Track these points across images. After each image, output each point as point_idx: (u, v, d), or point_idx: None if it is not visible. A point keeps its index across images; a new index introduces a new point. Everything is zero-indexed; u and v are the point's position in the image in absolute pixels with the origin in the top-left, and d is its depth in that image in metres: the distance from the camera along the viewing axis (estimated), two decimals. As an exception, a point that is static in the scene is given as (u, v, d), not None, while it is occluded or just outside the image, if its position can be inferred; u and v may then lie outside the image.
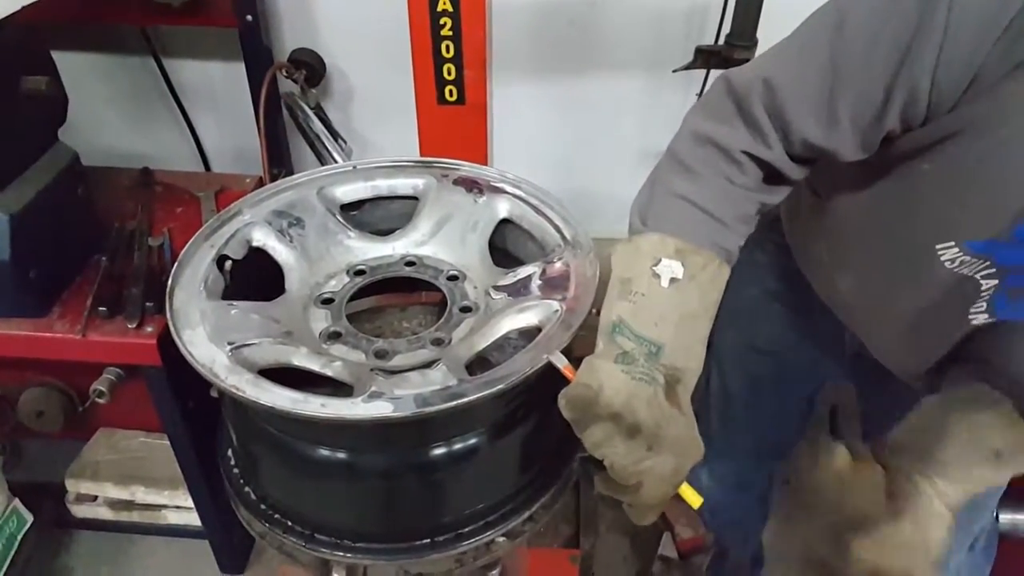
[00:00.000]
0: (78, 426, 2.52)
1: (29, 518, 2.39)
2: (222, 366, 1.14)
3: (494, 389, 1.09)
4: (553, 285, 1.33)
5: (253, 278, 1.40)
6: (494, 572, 1.45)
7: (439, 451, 1.21)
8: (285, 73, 2.46)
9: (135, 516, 2.56)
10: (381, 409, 1.08)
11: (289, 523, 1.29)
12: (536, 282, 1.36)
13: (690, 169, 1.17)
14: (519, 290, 1.37)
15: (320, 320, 1.35)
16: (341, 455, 1.20)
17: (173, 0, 2.29)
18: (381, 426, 1.13)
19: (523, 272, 1.39)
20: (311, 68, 2.55)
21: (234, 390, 1.09)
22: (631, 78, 2.68)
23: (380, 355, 1.27)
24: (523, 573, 1.64)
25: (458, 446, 1.21)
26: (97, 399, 2.10)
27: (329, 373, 1.20)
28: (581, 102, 2.75)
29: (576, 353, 1.18)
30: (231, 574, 2.58)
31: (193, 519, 2.49)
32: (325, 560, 1.30)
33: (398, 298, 1.52)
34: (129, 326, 1.84)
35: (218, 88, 2.75)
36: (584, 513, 1.79)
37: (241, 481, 1.37)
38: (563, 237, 1.42)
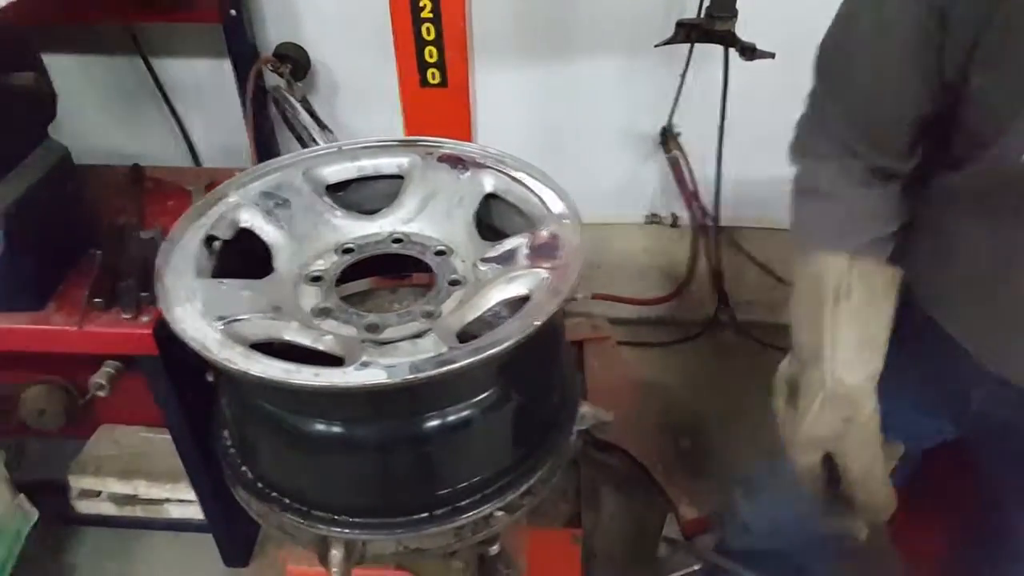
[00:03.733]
0: (79, 424, 2.54)
1: (35, 514, 2.40)
2: (214, 341, 1.14)
3: (485, 354, 1.10)
4: (541, 254, 1.33)
5: (241, 258, 1.40)
6: (494, 548, 1.45)
7: (433, 422, 1.21)
8: (271, 67, 2.48)
9: (138, 511, 2.58)
10: (373, 376, 1.09)
11: (287, 501, 1.30)
12: (524, 252, 1.37)
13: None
14: (507, 261, 1.37)
15: (310, 297, 1.36)
16: (335, 428, 1.21)
17: (156, -4, 2.30)
18: (374, 395, 1.15)
19: (510, 243, 1.40)
20: (296, 62, 2.58)
21: (226, 363, 1.09)
22: (612, 57, 2.70)
23: (371, 329, 1.28)
24: (524, 552, 1.65)
25: (452, 417, 1.22)
26: (97, 392, 2.11)
27: (320, 347, 1.21)
28: (563, 84, 2.78)
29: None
30: (235, 567, 2.59)
31: (196, 513, 2.51)
32: (323, 537, 1.30)
33: (388, 280, 1.54)
34: (125, 316, 1.86)
35: (204, 85, 2.78)
36: (585, 492, 1.80)
37: (238, 461, 1.38)
38: (547, 208, 1.43)
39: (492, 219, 1.54)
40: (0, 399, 2.49)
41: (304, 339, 1.22)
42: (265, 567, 2.59)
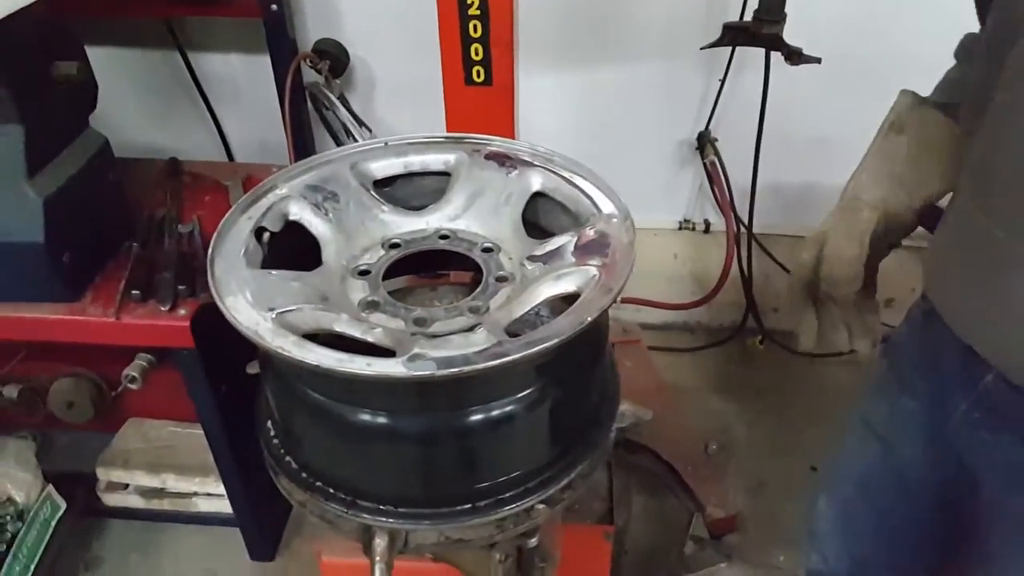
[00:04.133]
0: (107, 417, 2.55)
1: (62, 505, 2.41)
2: (266, 330, 1.14)
3: (538, 348, 1.10)
4: (589, 252, 1.33)
5: (290, 251, 1.40)
6: (533, 540, 1.44)
7: (480, 415, 1.21)
8: (309, 63, 2.48)
9: (165, 504, 2.58)
10: (426, 367, 1.09)
11: (331, 490, 1.30)
12: (570, 250, 1.37)
13: None
14: (554, 259, 1.37)
15: (358, 291, 1.35)
16: (384, 419, 1.20)
17: (199, -10, 2.30)
18: (425, 387, 1.15)
19: (558, 242, 1.40)
20: (335, 58, 2.57)
21: (280, 351, 1.09)
22: (651, 61, 2.70)
23: (418, 323, 1.27)
24: (558, 548, 1.65)
25: (499, 410, 1.22)
26: (129, 384, 2.12)
27: (370, 339, 1.20)
28: (601, 87, 2.78)
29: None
30: (261, 561, 2.59)
31: (223, 506, 2.51)
32: (367, 527, 1.30)
33: (428, 278, 1.53)
34: (162, 309, 1.86)
35: (241, 80, 2.78)
36: (617, 490, 1.79)
37: (281, 451, 1.38)
38: (596, 207, 1.43)
39: (538, 217, 1.53)
40: (29, 391, 2.50)
41: (354, 331, 1.22)
42: (291, 561, 2.60)
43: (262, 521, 2.52)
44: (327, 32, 2.62)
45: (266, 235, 1.38)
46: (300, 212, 1.44)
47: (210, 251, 1.29)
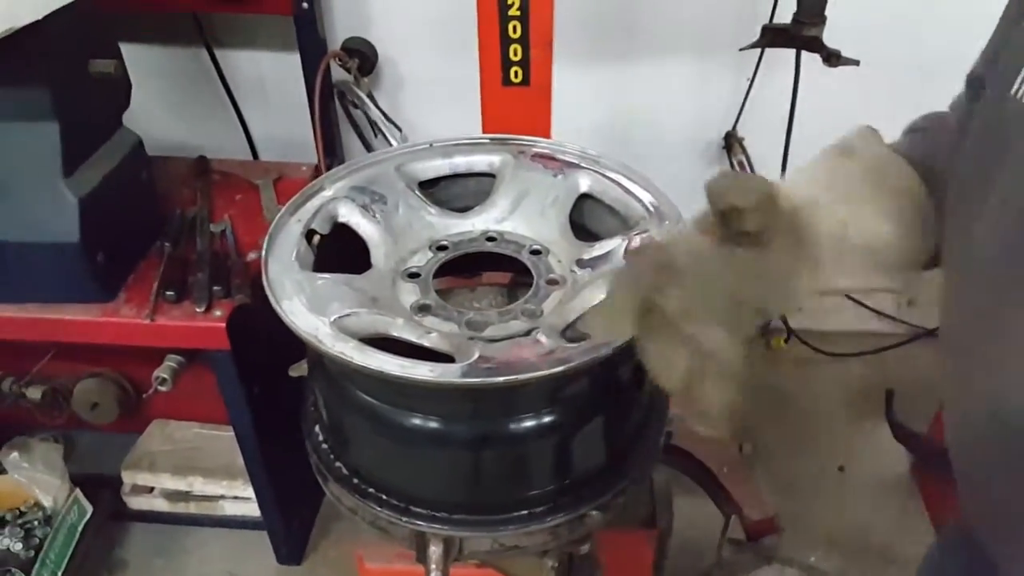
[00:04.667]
0: (130, 419, 2.53)
1: (89, 509, 2.40)
2: (325, 335, 1.13)
3: (602, 353, 1.08)
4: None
5: (338, 253, 1.39)
6: (585, 547, 1.43)
7: (539, 420, 1.20)
8: (339, 62, 2.47)
9: (191, 507, 2.57)
10: (491, 374, 1.07)
11: (383, 496, 1.28)
12: (620, 254, 1.35)
13: None
14: (604, 264, 1.36)
15: (409, 294, 1.34)
16: (442, 424, 1.19)
17: (231, -12, 2.29)
18: (483, 392, 1.13)
19: (607, 245, 1.38)
20: (364, 57, 2.56)
21: (341, 356, 1.08)
22: (680, 61, 2.68)
23: (472, 326, 1.25)
24: (604, 552, 1.64)
25: (558, 416, 1.21)
26: (160, 387, 2.10)
27: (426, 344, 1.19)
28: (629, 86, 2.76)
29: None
30: (288, 565, 2.57)
31: (248, 510, 2.50)
32: (421, 533, 1.28)
33: (464, 280, 1.52)
34: (197, 310, 1.84)
35: (267, 78, 2.77)
36: (658, 492, 1.78)
37: (331, 456, 1.36)
38: (647, 209, 1.41)
39: (584, 219, 1.52)
40: (52, 391, 2.48)
41: (410, 335, 1.20)
42: (318, 564, 2.59)
43: (290, 524, 2.51)
44: (354, 31, 2.60)
45: (316, 237, 1.37)
46: (349, 214, 1.42)
47: (263, 254, 1.28)
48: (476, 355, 1.11)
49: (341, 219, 1.42)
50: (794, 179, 1.09)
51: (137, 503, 2.58)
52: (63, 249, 1.75)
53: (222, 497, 2.54)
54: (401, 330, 1.21)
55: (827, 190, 1.06)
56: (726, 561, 1.91)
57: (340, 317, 1.18)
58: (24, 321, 1.85)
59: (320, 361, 1.31)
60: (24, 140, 1.70)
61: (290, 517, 2.49)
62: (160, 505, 2.58)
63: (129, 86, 1.93)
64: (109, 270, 1.87)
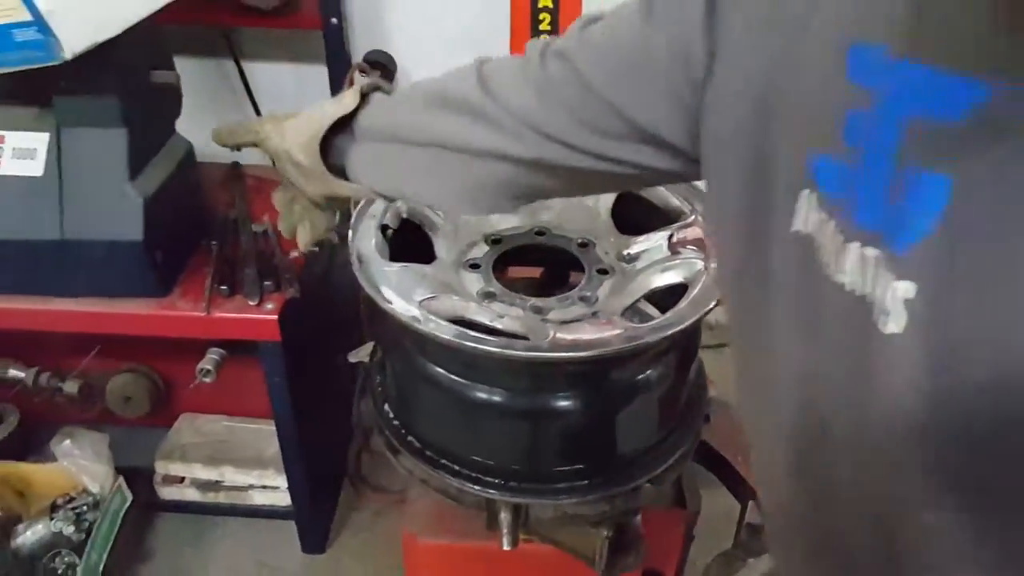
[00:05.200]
0: (160, 412, 2.63)
1: (130, 497, 2.48)
2: (420, 317, 1.25)
3: (671, 331, 1.21)
4: (685, 247, 1.44)
5: (405, 246, 1.51)
6: (636, 518, 1.54)
7: (605, 395, 1.33)
8: (362, 73, 2.57)
9: (221, 497, 2.65)
10: (580, 348, 1.20)
11: (456, 467, 1.41)
12: (665, 246, 1.48)
13: None
14: (648, 256, 1.48)
15: (472, 282, 1.45)
16: (515, 399, 1.31)
17: (263, 4, 2.39)
18: (558, 368, 1.26)
19: (652, 239, 1.51)
20: (384, 68, 2.66)
21: (437, 335, 1.20)
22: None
23: (536, 311, 1.37)
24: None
25: (620, 390, 1.35)
26: (204, 378, 2.20)
27: (499, 326, 1.31)
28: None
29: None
30: (313, 554, 2.67)
31: (277, 499, 2.59)
32: (491, 501, 1.40)
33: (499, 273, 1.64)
34: (250, 303, 1.94)
35: (289, 90, 2.85)
36: (686, 474, 1.90)
37: (402, 431, 1.48)
38: (690, 204, 1.54)
39: (628, 214, 1.63)
40: (88, 386, 2.56)
41: (484, 318, 1.32)
42: (342, 552, 2.67)
43: (316, 514, 2.61)
44: (373, 44, 2.70)
45: (389, 231, 1.49)
46: (413, 210, 1.54)
47: (351, 246, 1.40)
48: (552, 334, 1.24)
49: (406, 215, 1.54)
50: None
51: (168, 493, 2.67)
52: (128, 247, 1.85)
53: (251, 487, 2.62)
54: (475, 313, 1.33)
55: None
56: (744, 543, 2.02)
57: (425, 300, 1.30)
58: (83, 315, 1.94)
59: (397, 341, 1.43)
60: (94, 145, 1.80)
61: (318, 507, 2.59)
62: (191, 495, 2.66)
63: (181, 95, 2.04)
64: (166, 267, 1.97)
